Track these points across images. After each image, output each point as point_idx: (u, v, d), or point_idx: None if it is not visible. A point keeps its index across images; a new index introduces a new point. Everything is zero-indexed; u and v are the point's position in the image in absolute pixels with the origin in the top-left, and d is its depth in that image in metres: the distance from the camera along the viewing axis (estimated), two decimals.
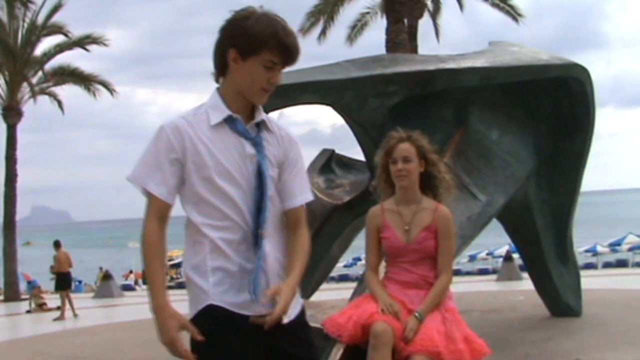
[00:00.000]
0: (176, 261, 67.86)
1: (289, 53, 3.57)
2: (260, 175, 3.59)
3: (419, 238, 5.71)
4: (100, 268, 48.32)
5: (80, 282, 50.41)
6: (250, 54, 3.51)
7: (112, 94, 38.55)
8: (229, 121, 3.59)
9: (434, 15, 34.02)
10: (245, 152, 3.58)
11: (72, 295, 23.19)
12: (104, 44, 37.96)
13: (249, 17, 3.53)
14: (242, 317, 3.54)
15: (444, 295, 5.68)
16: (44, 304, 24.58)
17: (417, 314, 5.47)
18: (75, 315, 21.83)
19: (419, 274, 5.73)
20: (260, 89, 3.59)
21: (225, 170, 3.55)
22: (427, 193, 5.86)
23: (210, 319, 3.55)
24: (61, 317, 21.64)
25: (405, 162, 5.74)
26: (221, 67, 3.62)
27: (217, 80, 3.69)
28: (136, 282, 53.23)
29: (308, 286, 10.15)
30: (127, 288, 43.72)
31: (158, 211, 3.59)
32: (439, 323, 5.47)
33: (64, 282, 22.80)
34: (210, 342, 3.51)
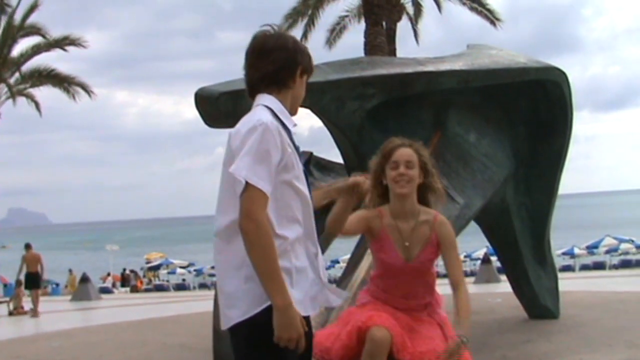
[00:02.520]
0: (154, 264, 67.75)
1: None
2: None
3: (421, 256, 5.29)
4: (70, 270, 47.93)
5: (57, 285, 50.11)
6: (306, 72, 4.10)
7: (90, 95, 38.38)
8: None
9: (415, 18, 34.09)
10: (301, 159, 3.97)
11: (49, 298, 23.24)
12: (82, 46, 37.79)
13: (300, 42, 4.15)
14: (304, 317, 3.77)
15: (470, 307, 5.32)
16: (21, 307, 24.47)
17: (463, 339, 4.97)
18: (32, 316, 22.48)
19: (412, 295, 5.35)
20: (300, 103, 4.14)
21: (302, 176, 3.93)
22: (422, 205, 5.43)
23: (263, 323, 3.69)
24: (35, 314, 22.47)
25: (407, 167, 5.30)
26: (285, 81, 3.98)
27: (264, 90, 3.97)
28: (114, 285, 52.92)
29: None
30: (105, 291, 43.46)
31: (266, 206, 3.68)
32: (441, 336, 5.19)
33: (33, 282, 23.53)
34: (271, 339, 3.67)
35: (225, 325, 3.87)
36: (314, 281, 3.90)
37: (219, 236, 3.88)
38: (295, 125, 4.02)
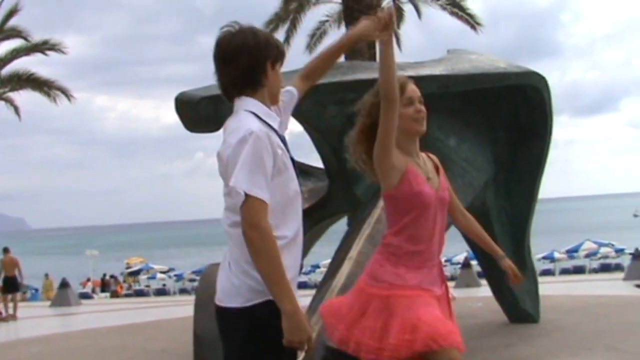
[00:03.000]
0: (134, 269, 67.56)
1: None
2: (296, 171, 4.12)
3: (443, 184, 5.05)
4: (46, 275, 47.73)
5: (36, 290, 49.88)
6: (277, 62, 4.09)
7: (69, 99, 38.16)
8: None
9: (397, 23, 34.12)
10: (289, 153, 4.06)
11: (28, 304, 23.21)
12: (62, 51, 37.58)
13: (264, 32, 4.16)
14: None
15: None
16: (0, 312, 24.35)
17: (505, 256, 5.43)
18: (10, 320, 22.62)
19: (440, 245, 5.00)
20: (281, 89, 4.21)
21: (294, 175, 4.07)
22: None
23: (269, 313, 3.78)
24: (14, 318, 22.79)
25: (421, 103, 5.11)
26: (257, 81, 4.00)
27: (240, 94, 4.01)
28: (93, 290, 52.76)
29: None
30: (85, 296, 43.31)
31: (267, 214, 3.77)
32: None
33: (11, 285, 23.63)
34: (270, 333, 3.79)
35: (223, 303, 3.97)
36: (291, 280, 3.93)
37: (231, 230, 3.95)
38: (279, 121, 4.14)
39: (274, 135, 3.92)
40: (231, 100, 4.05)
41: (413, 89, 5.10)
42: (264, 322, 3.83)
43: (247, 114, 3.92)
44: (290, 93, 4.46)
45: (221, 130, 4.05)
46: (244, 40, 3.97)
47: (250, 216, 3.73)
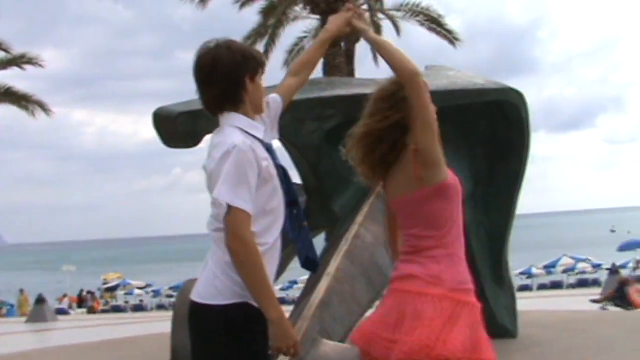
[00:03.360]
0: (112, 284, 67.23)
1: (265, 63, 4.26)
2: (287, 179, 4.25)
3: None
4: (21, 290, 47.46)
5: (12, 306, 49.55)
6: (257, 74, 4.13)
7: (48, 114, 37.99)
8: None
9: None
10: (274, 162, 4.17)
11: (4, 320, 23.08)
12: (40, 65, 37.43)
13: (241, 46, 4.20)
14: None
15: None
16: None
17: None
18: None
19: None
20: (263, 98, 4.25)
21: (278, 185, 4.12)
22: None
23: (246, 316, 3.91)
24: None
25: None
26: (238, 97, 4.07)
27: (222, 111, 4.09)
28: (70, 306, 52.45)
29: None
30: (62, 312, 43.08)
31: (250, 225, 3.88)
32: None
33: None
34: (245, 336, 3.93)
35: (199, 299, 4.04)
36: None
37: (214, 233, 4.03)
38: (264, 129, 4.20)
39: (259, 148, 4.00)
40: (215, 116, 4.11)
41: None
42: (240, 324, 3.91)
43: (231, 129, 4.00)
44: (275, 101, 4.50)
45: (200, 145, 4.15)
46: (219, 58, 4.02)
47: (233, 228, 3.83)
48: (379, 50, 4.72)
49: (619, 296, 24.22)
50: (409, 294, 4.43)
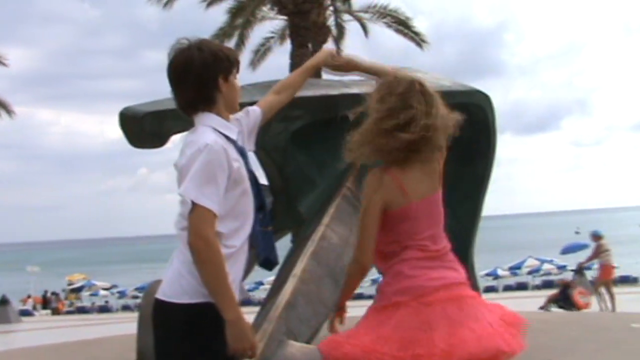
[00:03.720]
0: (77, 285, 66.87)
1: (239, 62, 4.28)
2: (256, 183, 4.26)
3: None
4: None
5: None
6: (230, 74, 4.13)
7: (10, 115, 37.67)
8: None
9: (338, 40, 34.21)
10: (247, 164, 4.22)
11: None
12: (3, 64, 37.16)
13: (214, 46, 4.20)
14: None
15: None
16: None
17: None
18: None
19: None
20: (238, 96, 4.27)
21: (249, 188, 4.12)
22: None
23: (210, 316, 3.87)
24: None
25: None
26: (209, 97, 4.07)
27: (196, 111, 4.10)
28: (34, 307, 52.09)
29: None
30: (25, 313, 42.77)
31: (214, 225, 3.86)
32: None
33: None
34: (206, 337, 3.92)
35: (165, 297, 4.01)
36: (236, 288, 4.03)
37: (182, 232, 3.99)
38: (238, 131, 4.23)
39: (230, 148, 4.01)
40: (190, 117, 4.12)
41: None
42: (203, 324, 3.89)
43: (204, 128, 4.01)
44: (255, 112, 4.57)
45: (167, 146, 4.15)
46: (190, 60, 4.01)
47: (196, 225, 3.82)
48: (366, 71, 5.41)
49: (562, 298, 24.68)
50: (465, 299, 4.62)
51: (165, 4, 30.47)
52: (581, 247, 49.23)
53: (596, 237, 24.13)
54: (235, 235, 4.02)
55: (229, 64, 4.14)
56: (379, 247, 4.70)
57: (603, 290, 23.51)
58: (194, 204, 3.83)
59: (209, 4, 31.48)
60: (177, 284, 3.96)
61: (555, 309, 23.70)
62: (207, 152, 3.86)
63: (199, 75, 4.01)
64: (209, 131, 4.00)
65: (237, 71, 4.23)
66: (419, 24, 32.96)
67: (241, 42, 31.78)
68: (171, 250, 4.17)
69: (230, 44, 31.58)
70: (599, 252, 23.62)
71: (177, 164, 4.01)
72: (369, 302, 4.92)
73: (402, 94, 4.88)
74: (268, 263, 4.37)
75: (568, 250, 52.75)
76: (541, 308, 23.74)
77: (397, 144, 4.73)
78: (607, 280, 23.60)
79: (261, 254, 4.29)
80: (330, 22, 32.10)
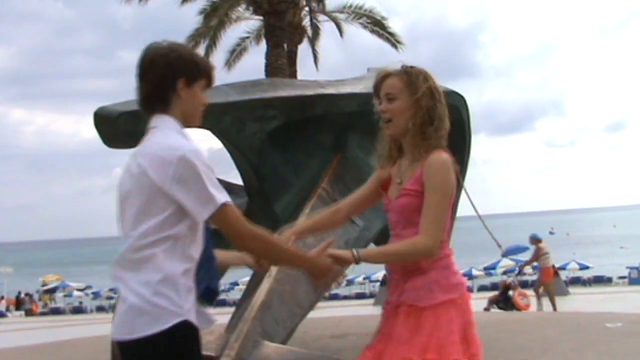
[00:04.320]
0: (51, 287, 66.51)
1: (214, 76, 4.09)
2: None
3: (400, 193, 4.47)
4: None
5: None
6: (196, 80, 3.93)
7: None
8: None
9: (313, 41, 34.24)
10: None
11: None
12: None
13: (187, 50, 4.08)
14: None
15: (406, 256, 4.34)
16: None
17: (355, 253, 4.28)
18: None
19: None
20: (201, 111, 4.05)
21: None
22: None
23: (187, 335, 3.75)
24: None
25: (389, 101, 4.58)
26: (166, 98, 3.89)
27: (155, 112, 3.93)
28: (8, 309, 51.74)
29: None
30: None
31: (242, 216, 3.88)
32: (419, 343, 4.24)
33: None
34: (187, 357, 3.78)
35: (128, 335, 3.73)
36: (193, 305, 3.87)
37: (130, 255, 3.79)
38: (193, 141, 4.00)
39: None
40: (148, 115, 3.98)
41: (386, 86, 4.64)
42: (183, 345, 3.73)
43: (169, 132, 3.86)
44: None
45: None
46: (155, 56, 3.91)
47: (237, 226, 3.84)
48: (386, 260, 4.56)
49: (503, 300, 25.00)
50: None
51: (141, 0, 30.34)
52: (522, 249, 49.58)
53: (535, 240, 24.56)
54: (194, 246, 3.87)
55: (197, 71, 3.94)
56: None
57: (541, 291, 24.06)
58: (221, 207, 3.72)
59: (183, 2, 31.41)
60: (145, 314, 3.66)
61: (495, 311, 23.97)
62: (196, 160, 3.69)
63: (160, 73, 3.87)
64: (178, 135, 3.83)
65: (207, 84, 4.03)
66: (394, 25, 33.06)
67: (213, 44, 31.75)
68: None
69: (205, 45, 31.57)
70: (539, 255, 24.05)
71: (150, 171, 3.73)
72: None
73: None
74: (210, 293, 4.11)
75: (509, 253, 52.96)
76: (486, 310, 23.94)
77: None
78: (547, 282, 24.03)
79: (203, 280, 4.00)
80: (306, 22, 32.16)
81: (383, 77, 4.59)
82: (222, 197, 3.73)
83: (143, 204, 3.76)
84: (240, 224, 3.83)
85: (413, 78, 4.42)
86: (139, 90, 3.96)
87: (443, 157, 4.39)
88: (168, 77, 3.88)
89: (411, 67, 4.49)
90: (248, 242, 3.88)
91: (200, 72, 3.98)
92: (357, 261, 4.25)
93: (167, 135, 3.82)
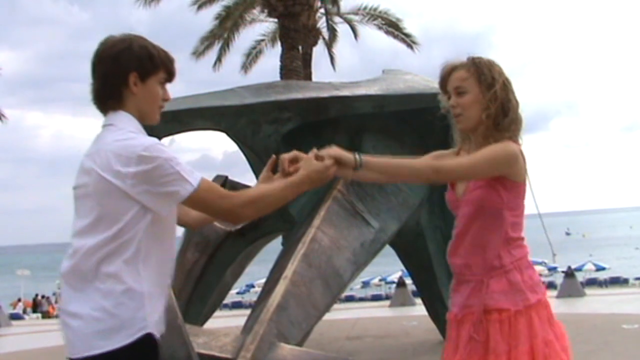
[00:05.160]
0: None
1: (175, 68, 3.76)
2: None
3: (470, 186, 4.20)
4: None
5: None
6: (150, 74, 3.63)
7: (1, 119, 37.41)
8: None
9: (330, 43, 34.27)
10: None
11: None
12: None
13: (139, 42, 3.66)
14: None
15: (411, 174, 4.46)
16: None
17: (357, 156, 4.09)
18: None
19: (470, 250, 4.16)
20: (159, 107, 3.72)
21: None
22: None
23: (151, 348, 3.49)
24: None
25: (458, 96, 4.26)
26: (116, 92, 3.60)
27: (108, 109, 3.65)
28: (24, 311, 51.86)
29: (200, 313, 10.05)
30: (16, 317, 42.57)
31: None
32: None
33: None
34: None
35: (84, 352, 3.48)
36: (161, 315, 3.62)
37: (86, 264, 3.49)
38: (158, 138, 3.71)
39: None
40: (102, 112, 3.71)
41: (452, 79, 4.27)
42: (153, 353, 3.51)
43: (122, 132, 3.56)
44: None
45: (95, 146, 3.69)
46: (104, 49, 3.66)
47: (221, 198, 3.63)
48: (386, 176, 4.40)
49: None
50: None
51: (150, 2, 30.35)
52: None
53: None
54: (158, 250, 3.59)
55: (151, 64, 3.64)
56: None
57: None
58: (200, 184, 3.50)
59: (199, 7, 31.47)
60: (107, 329, 3.39)
61: None
62: (163, 151, 3.45)
63: (108, 66, 3.60)
64: (132, 132, 3.55)
65: (167, 78, 3.73)
66: (408, 27, 33.00)
67: (226, 45, 31.79)
68: None
69: (219, 46, 31.63)
70: None
71: (114, 166, 3.44)
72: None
73: None
74: None
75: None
76: None
77: None
78: None
79: None
80: (320, 24, 32.18)
81: (449, 71, 4.28)
82: (192, 174, 3.50)
83: (101, 209, 3.47)
84: (222, 200, 3.61)
85: (482, 69, 4.17)
86: (91, 86, 3.69)
87: (512, 145, 4.10)
88: (116, 72, 3.60)
89: (479, 58, 4.24)
90: (240, 213, 3.67)
91: (154, 65, 3.67)
92: (358, 165, 4.03)
93: (122, 133, 3.53)
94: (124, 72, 3.59)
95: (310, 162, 3.98)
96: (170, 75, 3.74)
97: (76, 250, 3.53)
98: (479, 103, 4.13)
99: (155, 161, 3.40)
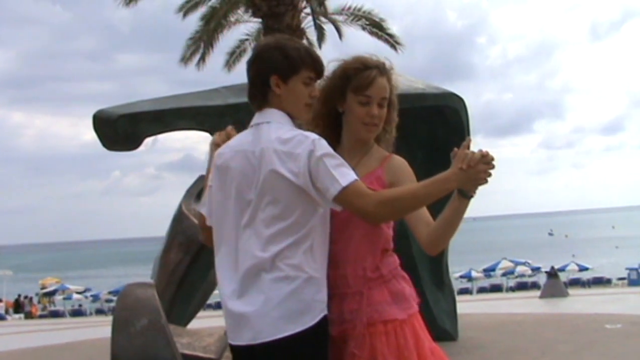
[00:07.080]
0: (50, 289, 66.43)
1: (321, 66, 3.88)
2: None
3: None
4: None
5: None
6: (291, 76, 3.77)
7: None
8: None
9: (319, 43, 34.23)
10: None
11: None
12: None
13: (280, 44, 3.83)
14: None
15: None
16: None
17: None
18: None
19: (350, 261, 3.90)
20: (304, 105, 3.84)
21: None
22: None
23: (325, 329, 3.67)
24: None
25: (381, 107, 4.18)
26: (263, 94, 3.82)
27: (259, 106, 3.88)
28: (7, 312, 51.67)
29: (184, 313, 10.02)
30: None
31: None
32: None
33: None
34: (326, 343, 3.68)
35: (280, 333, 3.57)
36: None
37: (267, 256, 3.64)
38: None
39: None
40: (256, 110, 3.93)
41: (380, 87, 4.14)
42: (325, 340, 3.68)
43: (283, 125, 3.77)
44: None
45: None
46: (259, 50, 3.91)
47: (366, 199, 3.64)
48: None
49: None
50: None
51: (129, 3, 30.19)
52: None
53: None
54: (326, 241, 3.80)
55: (290, 66, 3.76)
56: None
57: None
58: (349, 184, 3.56)
59: (186, 13, 31.37)
60: (295, 305, 3.56)
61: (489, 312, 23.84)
62: (318, 140, 3.62)
63: (258, 68, 3.81)
64: (291, 128, 3.76)
65: (314, 78, 3.85)
66: (390, 27, 32.95)
67: (210, 45, 31.71)
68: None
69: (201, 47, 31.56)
70: None
71: (288, 164, 3.60)
72: None
73: None
74: None
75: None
76: None
77: None
78: None
79: None
80: (305, 24, 32.13)
81: (375, 76, 4.19)
82: (348, 174, 3.58)
83: (278, 204, 3.64)
84: (362, 200, 3.62)
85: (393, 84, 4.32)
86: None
87: (403, 160, 4.25)
88: (264, 72, 3.78)
89: (391, 65, 4.33)
90: (375, 208, 3.66)
91: (294, 67, 3.78)
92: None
93: (283, 129, 3.72)
94: (264, 75, 3.78)
95: (467, 156, 3.91)
96: (317, 74, 3.86)
97: (259, 242, 3.69)
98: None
99: (322, 156, 3.58)
